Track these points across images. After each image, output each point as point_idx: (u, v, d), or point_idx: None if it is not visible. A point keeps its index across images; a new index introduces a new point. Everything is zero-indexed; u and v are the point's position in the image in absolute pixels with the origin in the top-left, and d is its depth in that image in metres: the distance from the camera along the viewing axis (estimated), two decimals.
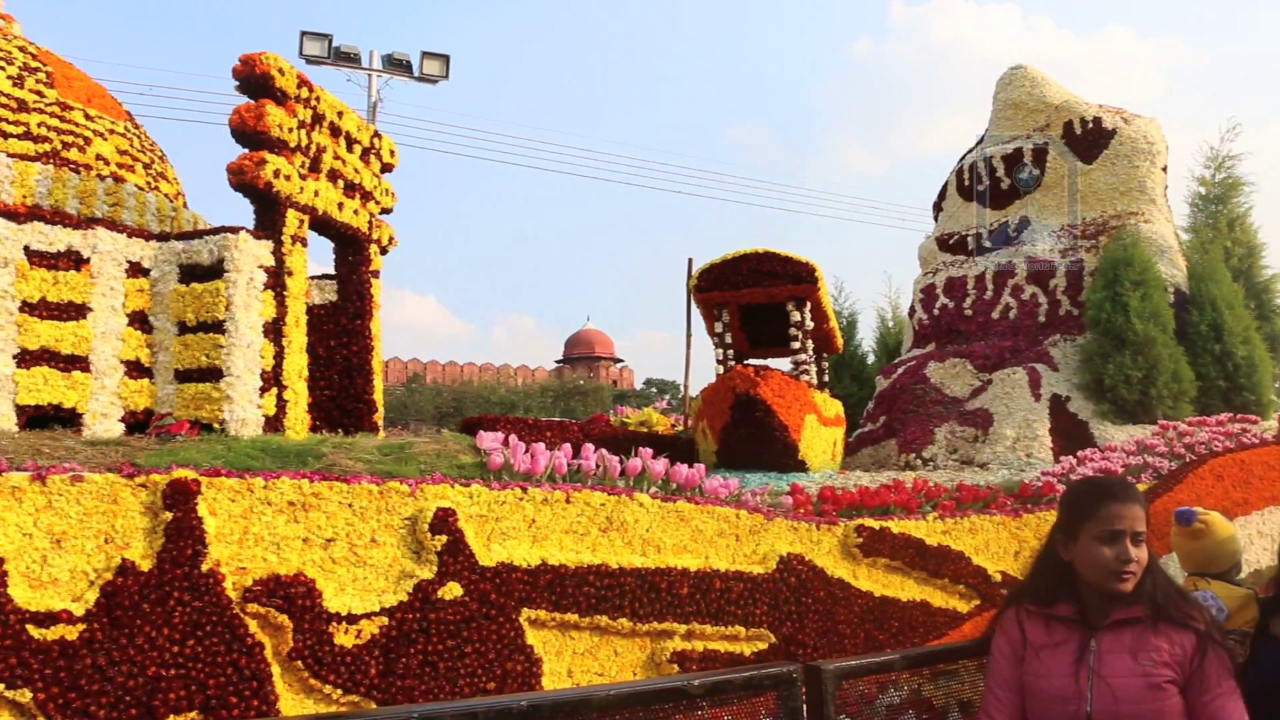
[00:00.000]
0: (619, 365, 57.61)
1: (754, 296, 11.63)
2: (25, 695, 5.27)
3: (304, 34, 28.59)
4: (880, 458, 13.77)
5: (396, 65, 30.52)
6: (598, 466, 6.98)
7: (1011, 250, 14.82)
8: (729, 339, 11.64)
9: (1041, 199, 15.72)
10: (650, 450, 7.25)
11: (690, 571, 6.92)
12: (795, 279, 11.64)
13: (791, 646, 7.12)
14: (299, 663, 5.67)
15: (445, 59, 30.15)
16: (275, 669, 5.62)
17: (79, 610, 5.40)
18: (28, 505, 5.39)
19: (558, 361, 56.91)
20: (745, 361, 12.23)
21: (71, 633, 5.40)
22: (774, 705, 3.90)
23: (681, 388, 14.25)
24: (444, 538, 6.08)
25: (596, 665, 6.66)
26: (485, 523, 6.33)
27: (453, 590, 6.05)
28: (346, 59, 29.52)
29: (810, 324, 11.74)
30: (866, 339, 25.08)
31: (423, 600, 5.99)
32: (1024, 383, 13.63)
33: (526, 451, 6.82)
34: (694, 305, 12.30)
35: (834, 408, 12.08)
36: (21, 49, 10.41)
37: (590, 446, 7.02)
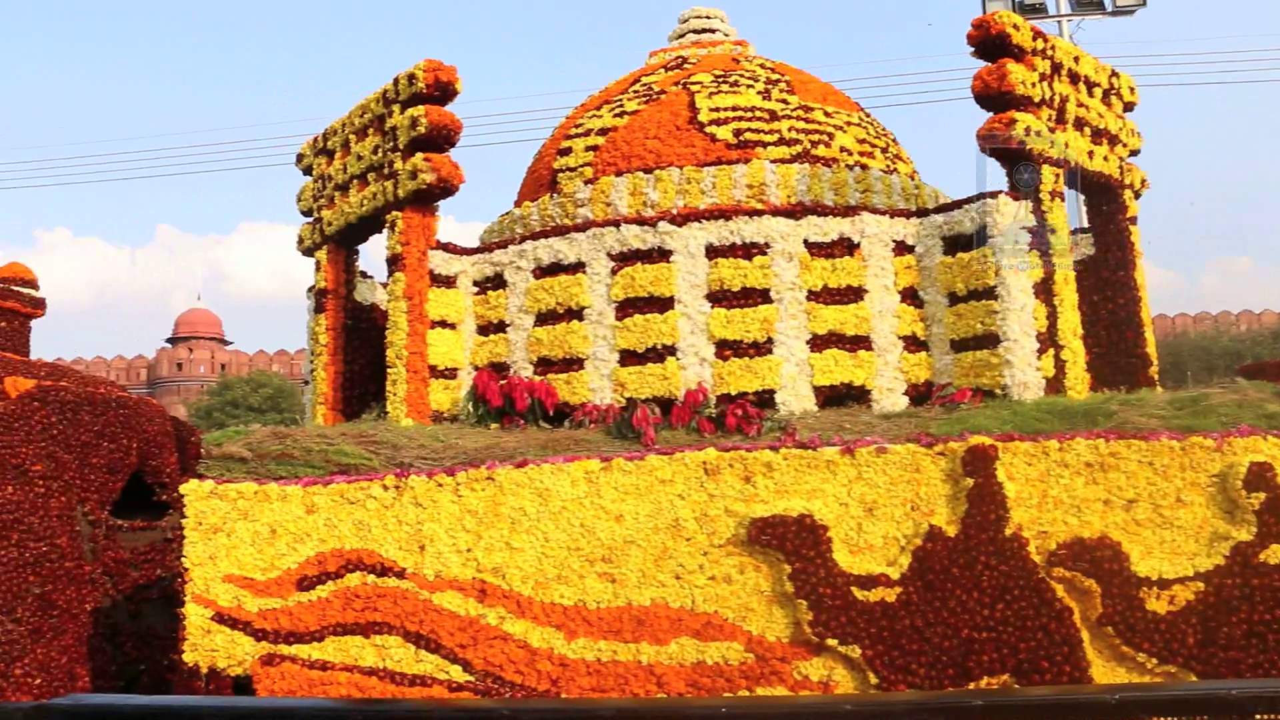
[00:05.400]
0: None
1: None
2: (855, 651, 6.85)
3: None
4: None
5: (1087, 4, 31.79)
6: None
7: None
8: None
9: None
10: None
11: None
12: None
13: None
14: (1109, 629, 6.45)
15: None
16: (1084, 634, 6.49)
17: (894, 574, 6.68)
18: (841, 477, 6.85)
19: None
20: None
21: (890, 595, 6.89)
22: None
23: None
24: (1261, 495, 6.47)
25: None
26: None
27: (1277, 553, 6.42)
28: (1032, 10, 31.60)
29: None
30: None
31: (1242, 564, 6.43)
32: None
33: None
34: None
35: None
36: (761, 66, 12.97)
37: None
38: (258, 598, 7.65)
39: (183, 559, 7.87)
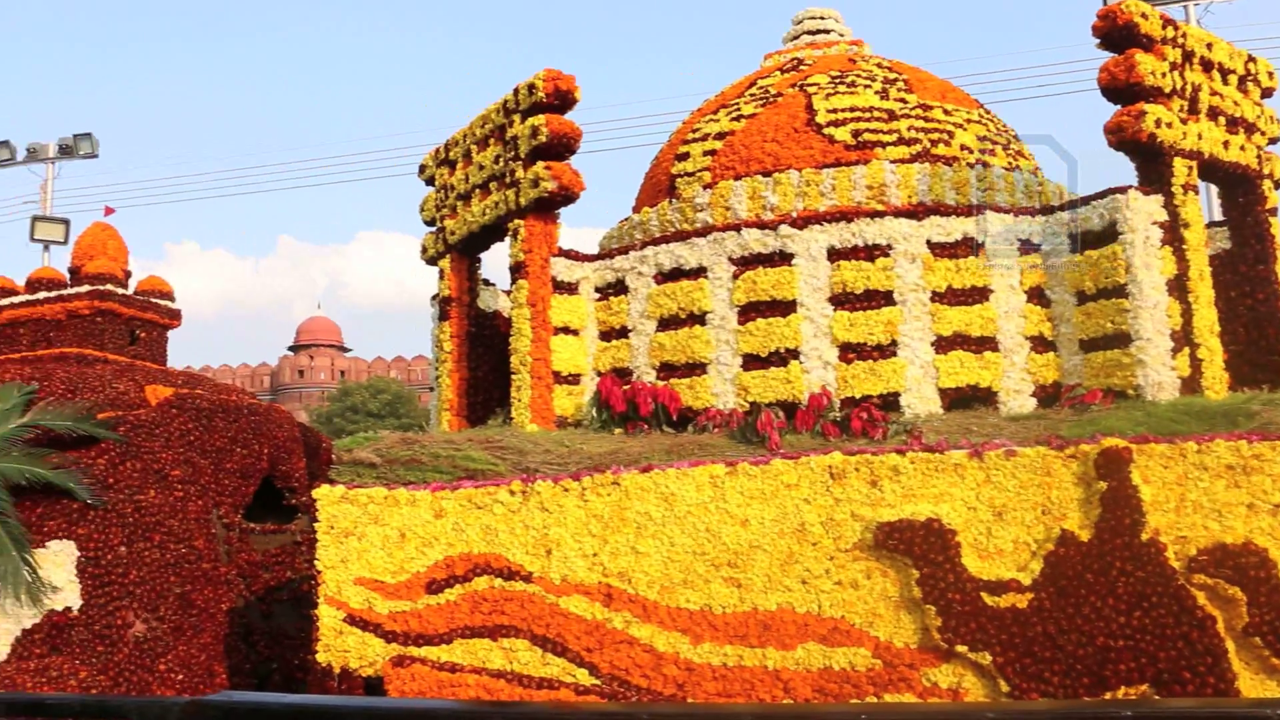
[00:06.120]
0: None
1: None
2: (985, 658, 6.75)
3: None
4: None
5: None
6: None
7: None
8: None
9: None
10: None
11: None
12: None
13: None
14: (1256, 639, 6.25)
15: None
16: (1229, 644, 6.31)
17: (1026, 579, 6.58)
18: (969, 480, 6.78)
19: None
20: None
21: (1021, 601, 6.76)
22: None
23: None
24: None
25: None
26: None
27: None
28: None
29: None
30: None
31: None
32: None
33: None
34: None
35: None
36: (878, 65, 12.81)
37: None
38: (388, 600, 7.85)
39: (315, 562, 8.10)
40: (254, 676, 11.59)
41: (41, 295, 14.86)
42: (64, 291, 14.79)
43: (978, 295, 9.18)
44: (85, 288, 14.66)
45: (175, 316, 15.93)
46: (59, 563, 10.68)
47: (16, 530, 10.62)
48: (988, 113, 12.68)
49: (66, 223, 31.04)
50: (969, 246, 9.30)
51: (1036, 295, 9.32)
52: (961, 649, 6.68)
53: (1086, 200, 9.25)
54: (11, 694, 8.48)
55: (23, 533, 10.66)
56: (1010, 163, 11.58)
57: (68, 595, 10.58)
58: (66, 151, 32.69)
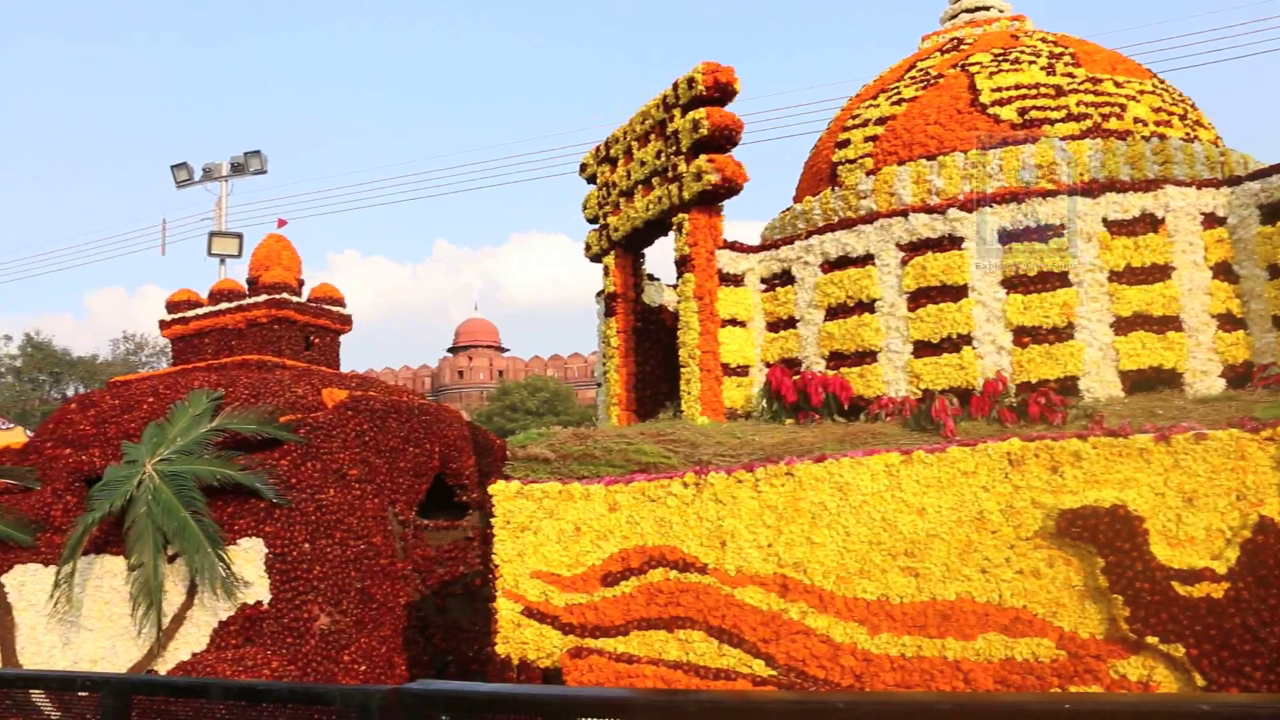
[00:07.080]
0: None
1: None
2: (1179, 650, 6.54)
3: None
4: None
5: None
6: None
7: None
8: None
9: None
10: None
11: None
12: None
13: None
14: None
15: None
16: None
17: (1220, 568, 6.35)
18: (1156, 465, 6.57)
19: None
20: None
21: (1216, 590, 6.52)
22: None
23: None
24: None
25: None
26: None
27: None
28: None
29: None
30: None
31: None
32: None
33: None
34: None
35: None
36: (1042, 40, 12.56)
37: None
38: (564, 593, 8.02)
39: (493, 556, 8.33)
40: (431, 668, 11.98)
41: (223, 306, 15.64)
42: (243, 301, 15.52)
43: (1159, 273, 8.89)
44: (263, 297, 15.36)
45: (346, 322, 16.56)
46: (249, 559, 11.25)
47: (211, 528, 11.24)
48: (1162, 82, 12.24)
49: (240, 237, 32.54)
50: (1147, 223, 9.00)
51: (1223, 271, 8.97)
52: (1152, 640, 6.47)
53: (1277, 168, 8.85)
54: (227, 680, 8.96)
55: (216, 531, 11.26)
56: (1188, 133, 11.15)
57: (258, 589, 11.14)
58: (238, 169, 34.30)
